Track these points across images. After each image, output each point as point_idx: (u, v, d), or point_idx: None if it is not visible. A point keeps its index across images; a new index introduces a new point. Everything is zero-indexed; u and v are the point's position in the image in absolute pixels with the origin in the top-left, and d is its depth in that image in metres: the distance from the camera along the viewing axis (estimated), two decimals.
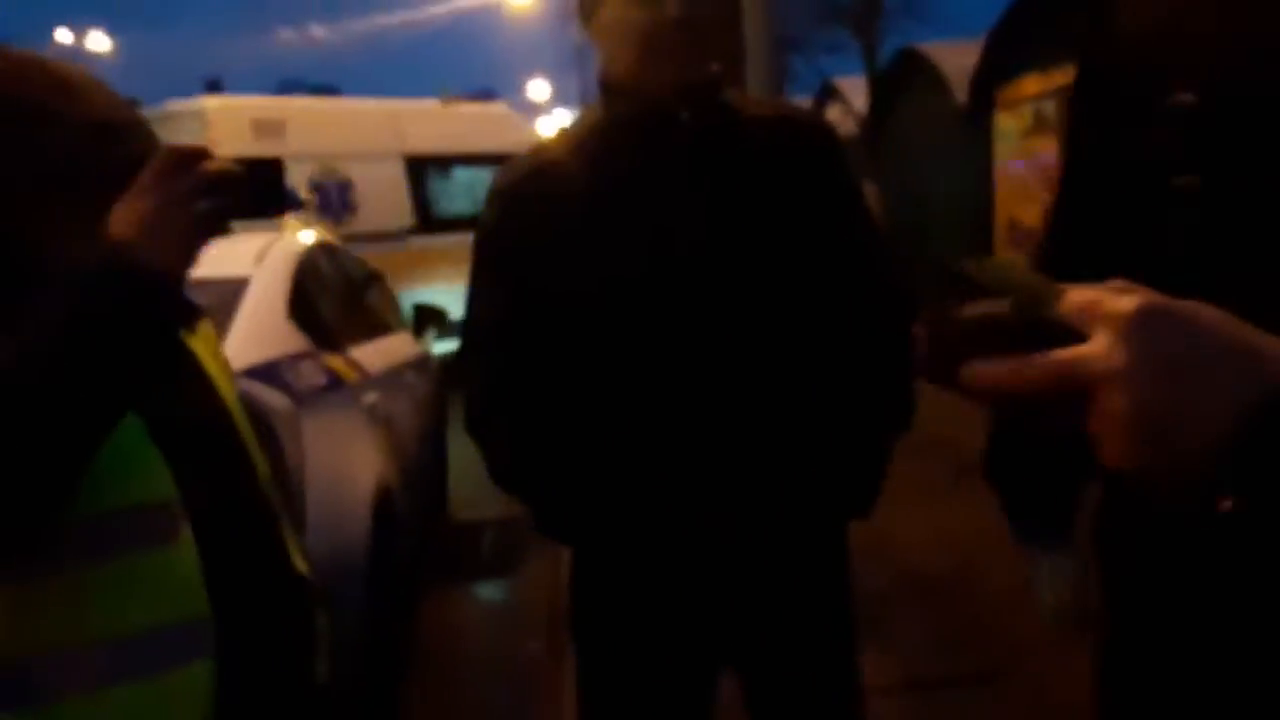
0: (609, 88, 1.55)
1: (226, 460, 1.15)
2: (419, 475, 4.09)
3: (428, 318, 5.07)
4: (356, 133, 9.07)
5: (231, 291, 3.00)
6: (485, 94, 11.20)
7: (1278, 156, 0.99)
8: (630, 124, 1.51)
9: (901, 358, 1.54)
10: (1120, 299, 0.56)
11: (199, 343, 1.20)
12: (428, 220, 9.22)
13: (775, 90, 6.92)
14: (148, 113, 7.34)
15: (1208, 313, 0.55)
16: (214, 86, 12.54)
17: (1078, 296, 0.57)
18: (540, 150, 1.58)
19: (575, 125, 1.60)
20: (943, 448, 4.07)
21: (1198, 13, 1.07)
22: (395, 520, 3.36)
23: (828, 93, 15.40)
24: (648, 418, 1.50)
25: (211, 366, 1.20)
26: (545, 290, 1.50)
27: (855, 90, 14.70)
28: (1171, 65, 1.05)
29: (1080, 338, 0.56)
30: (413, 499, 3.84)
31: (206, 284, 1.85)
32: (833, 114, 14.48)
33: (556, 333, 1.51)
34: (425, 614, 4.02)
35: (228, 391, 1.21)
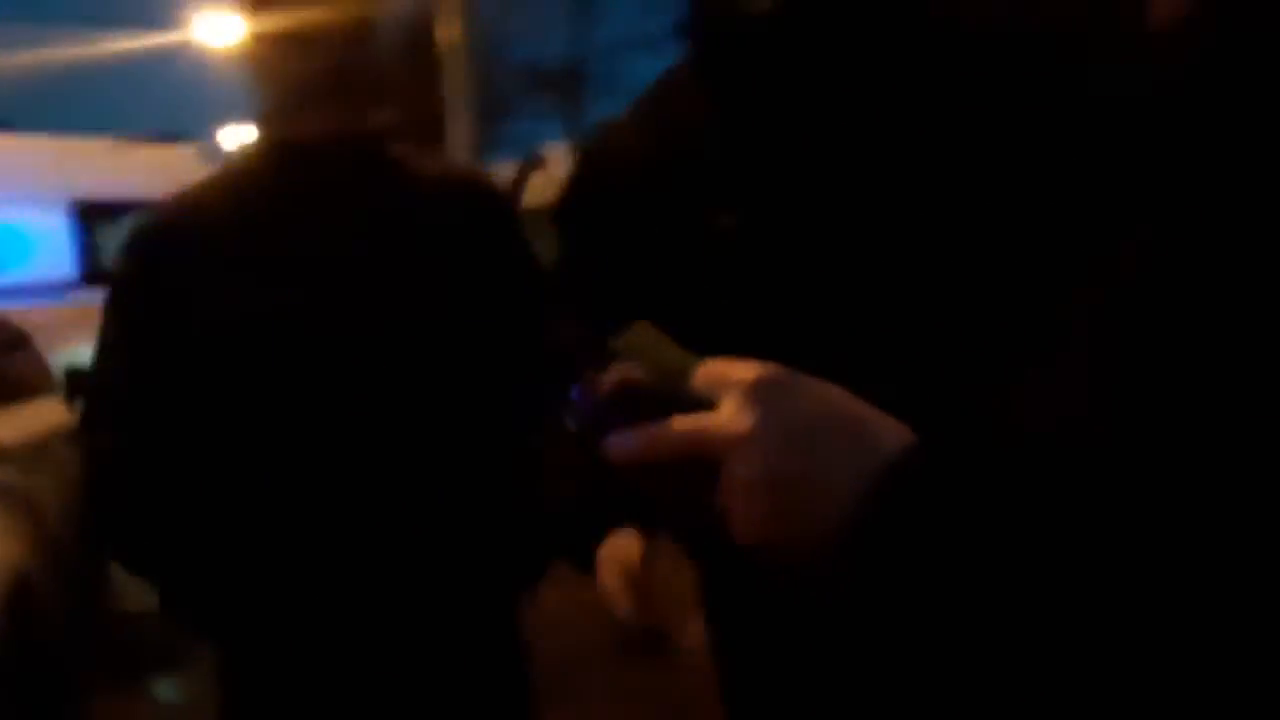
0: (265, 134, 1.48)
1: None
2: (69, 561, 3.66)
3: (80, 382, 4.57)
4: (13, 173, 8.26)
5: None
6: (170, 136, 10.55)
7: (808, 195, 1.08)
8: (284, 172, 1.44)
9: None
10: (745, 369, 0.58)
11: None
12: (95, 272, 8.46)
13: (477, 153, 6.89)
14: None
15: (827, 386, 0.58)
16: None
17: (709, 368, 0.59)
18: (185, 195, 1.48)
19: (225, 171, 1.52)
20: None
21: (695, 145, 1.18)
22: (36, 615, 2.98)
23: (532, 159, 15.65)
24: (291, 494, 1.39)
25: None
26: (184, 344, 1.39)
27: (560, 158, 15.00)
28: (688, 196, 1.16)
29: (709, 403, 0.58)
30: (61, 589, 3.43)
31: None
32: (537, 180, 14.70)
33: (195, 394, 1.40)
34: (94, 716, 3.66)
35: None
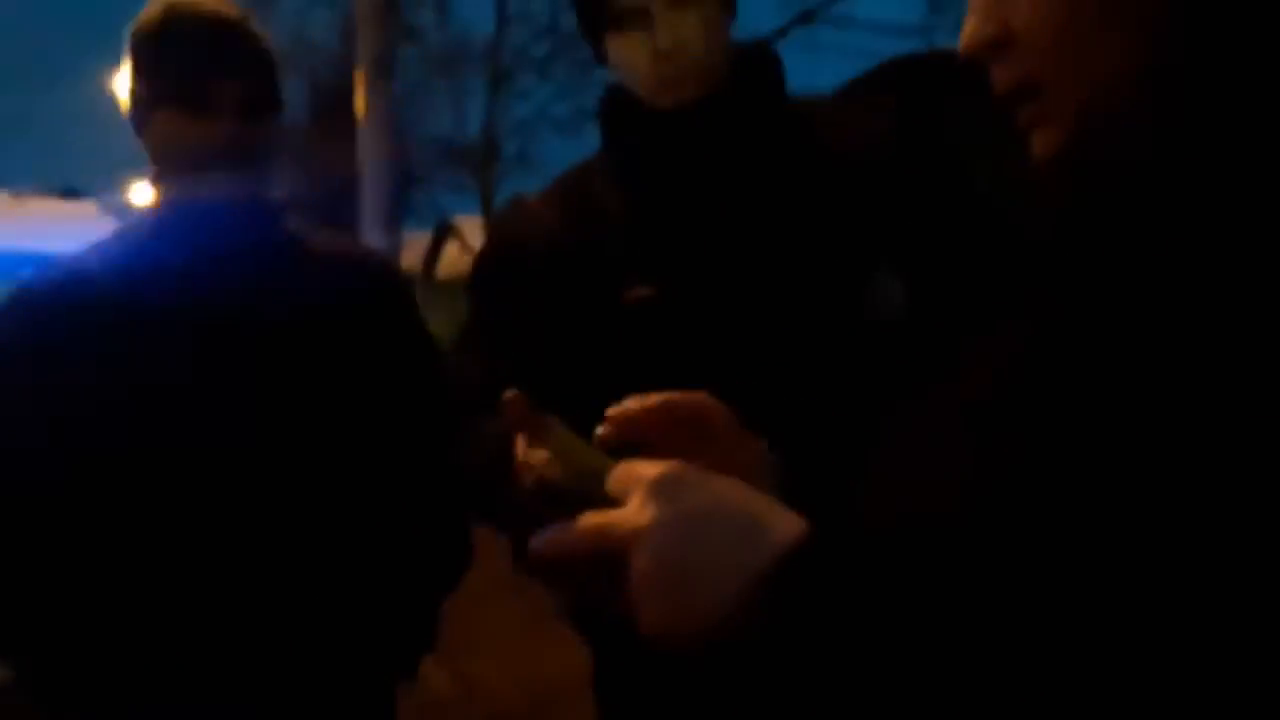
0: (158, 198, 1.44)
1: None
2: None
3: None
4: None
5: None
6: (70, 192, 10.29)
7: (713, 271, 1.23)
8: (176, 237, 1.41)
9: (449, 508, 1.48)
10: (649, 467, 0.60)
11: None
12: None
13: (391, 222, 6.86)
14: None
15: (726, 480, 0.61)
16: None
17: (621, 469, 0.62)
18: (71, 262, 1.44)
19: (114, 237, 1.48)
20: (524, 590, 4.07)
21: (617, 228, 1.32)
22: None
23: (446, 230, 15.64)
24: (165, 555, 1.35)
25: None
26: (58, 408, 1.35)
27: (474, 230, 15.03)
28: (593, 272, 1.30)
29: (619, 503, 0.60)
30: None
31: None
32: (451, 252, 14.67)
33: (66, 459, 1.35)
34: None
35: None
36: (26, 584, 1.38)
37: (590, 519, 0.60)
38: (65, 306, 1.40)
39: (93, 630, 1.37)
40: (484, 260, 1.49)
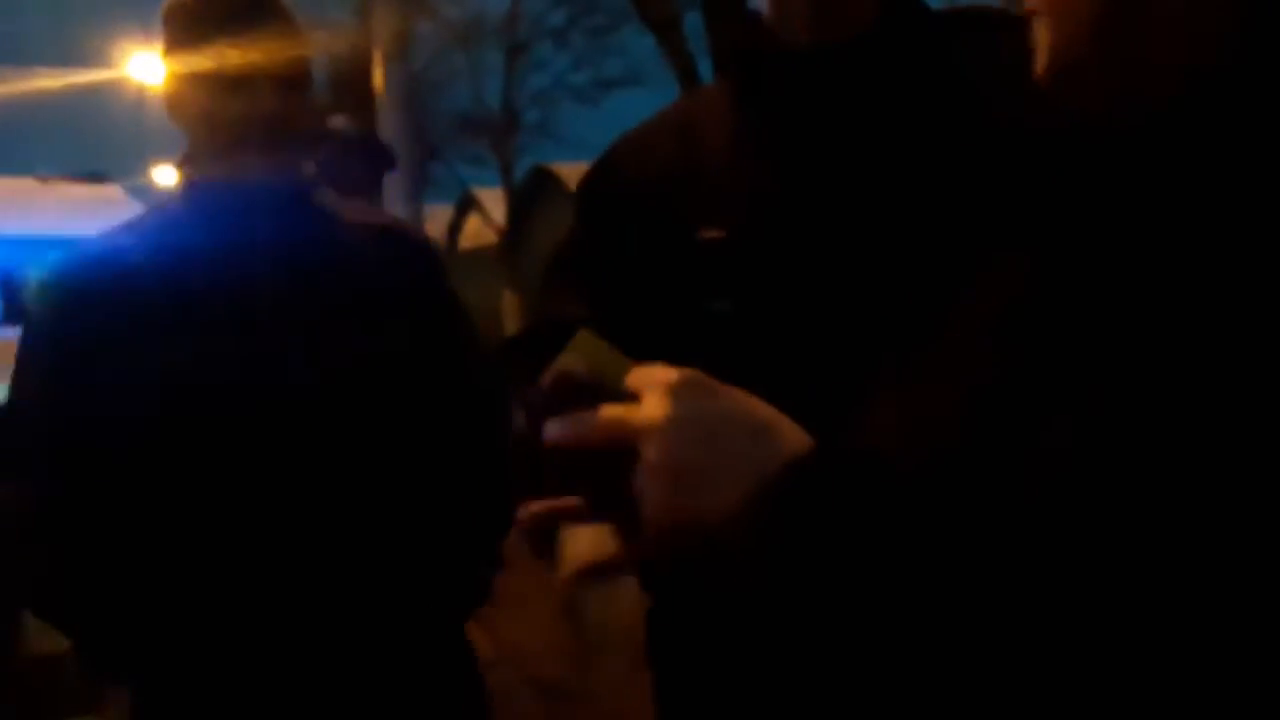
0: (190, 178, 1.45)
1: None
2: None
3: None
4: None
5: None
6: (95, 176, 10.37)
7: (800, 283, 1.15)
8: (211, 216, 1.41)
9: (494, 463, 1.48)
10: (670, 371, 0.63)
11: None
12: (15, 310, 8.27)
13: (412, 196, 6.89)
14: None
15: (743, 393, 0.63)
16: None
17: (641, 370, 0.64)
18: (105, 238, 1.45)
19: (148, 214, 1.50)
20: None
21: (709, 161, 1.24)
22: None
23: (468, 202, 15.64)
24: (216, 536, 1.36)
25: None
26: (101, 391, 1.36)
27: (494, 201, 15.02)
28: (691, 207, 1.21)
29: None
30: None
31: None
32: (472, 223, 14.69)
33: (111, 440, 1.36)
34: None
35: None
36: (84, 558, 1.40)
37: (607, 410, 0.62)
38: (102, 287, 1.40)
39: (147, 602, 1.39)
40: (582, 191, 1.43)
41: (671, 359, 0.66)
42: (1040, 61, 0.64)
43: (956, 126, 1.16)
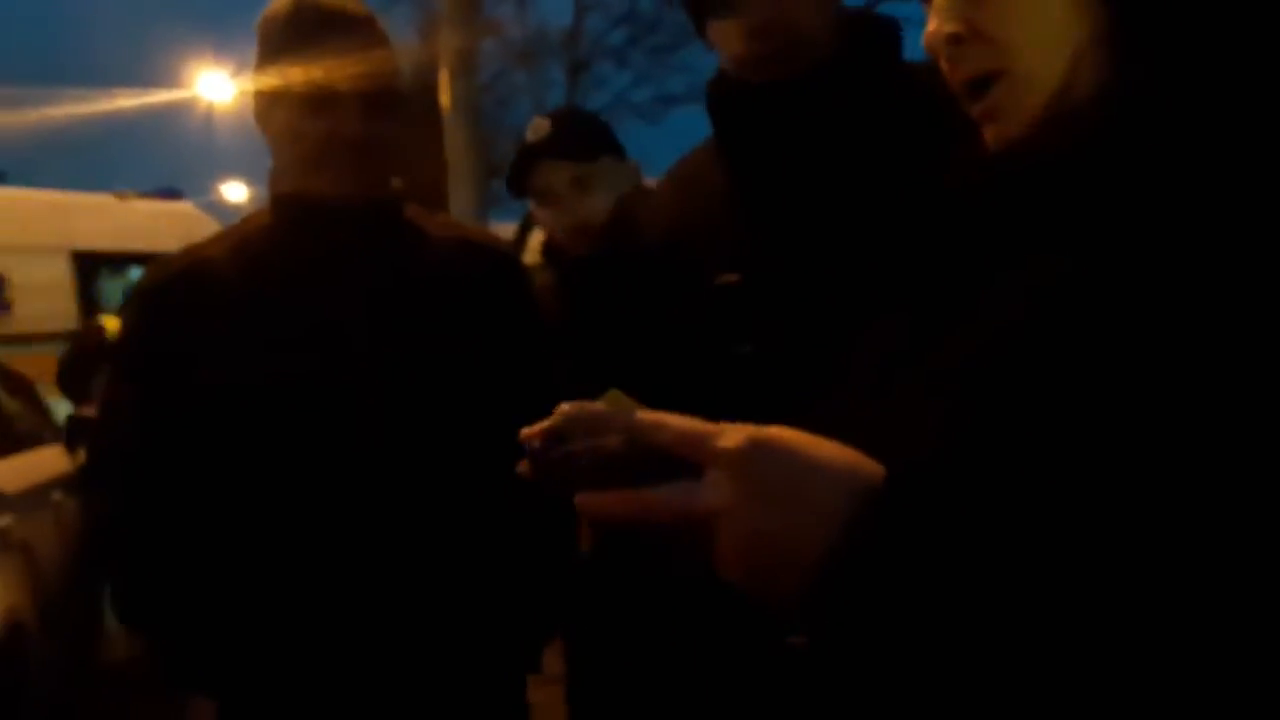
0: (280, 194, 1.46)
1: None
2: (64, 609, 3.64)
3: (83, 429, 4.60)
4: (13, 225, 8.29)
5: None
6: (169, 193, 10.60)
7: (815, 324, 1.16)
8: (300, 233, 1.42)
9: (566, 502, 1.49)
10: (725, 436, 0.60)
11: None
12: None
13: (479, 213, 6.97)
14: None
15: (806, 440, 0.61)
16: None
17: (681, 429, 0.62)
18: (195, 250, 1.46)
19: (238, 228, 1.50)
20: None
21: (723, 211, 1.28)
22: (28, 664, 2.96)
23: (531, 219, 15.72)
24: (300, 549, 1.37)
25: None
26: (192, 403, 1.37)
27: None
28: (708, 255, 1.25)
29: (687, 467, 0.61)
30: (55, 638, 3.40)
31: None
32: (536, 238, 14.74)
33: (201, 452, 1.38)
34: None
35: None
36: (169, 566, 1.40)
37: (676, 493, 0.61)
38: (190, 300, 1.40)
39: (229, 612, 1.40)
40: (600, 246, 1.45)
41: (699, 405, 0.65)
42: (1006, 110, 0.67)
43: (926, 146, 1.11)
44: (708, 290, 1.23)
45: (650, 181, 1.81)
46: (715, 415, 1.10)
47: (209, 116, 15.65)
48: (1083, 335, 0.58)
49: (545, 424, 0.65)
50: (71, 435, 4.56)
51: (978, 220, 0.72)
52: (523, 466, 0.66)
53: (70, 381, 4.21)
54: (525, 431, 0.66)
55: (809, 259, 1.21)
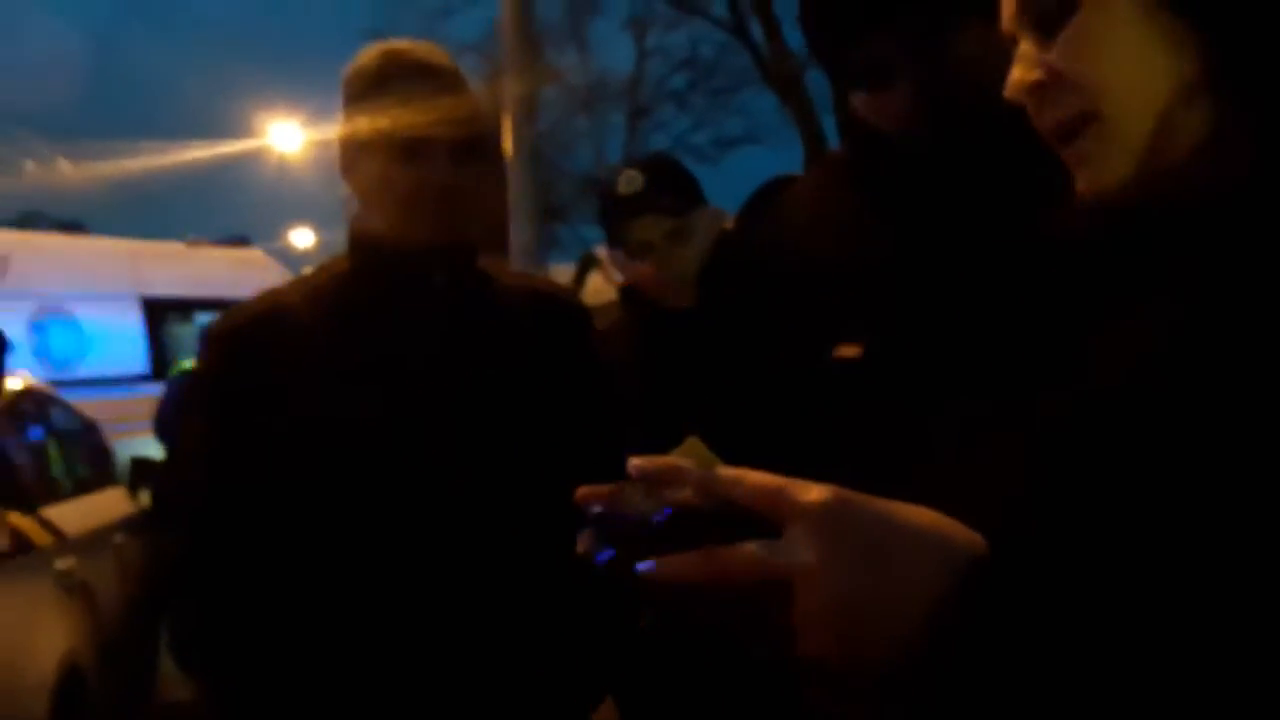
0: (361, 241, 1.45)
1: None
2: (121, 651, 3.67)
3: (147, 472, 4.65)
4: (88, 271, 8.53)
5: None
6: (238, 240, 10.86)
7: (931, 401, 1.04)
8: (380, 279, 1.42)
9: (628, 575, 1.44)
10: (808, 491, 0.56)
11: None
12: (165, 367, 8.68)
13: (538, 256, 7.02)
14: None
15: (893, 504, 0.57)
16: None
17: (760, 483, 0.57)
18: (272, 295, 1.46)
19: (315, 274, 1.50)
20: None
21: (842, 258, 1.19)
22: (86, 704, 2.97)
23: (589, 261, 15.87)
24: (362, 603, 1.35)
25: None
26: (263, 447, 1.36)
27: (613, 260, 15.17)
28: (824, 310, 1.18)
29: (766, 525, 0.56)
30: (113, 678, 3.43)
31: None
32: (594, 281, 14.86)
33: (270, 498, 1.36)
34: None
35: None
36: (232, 612, 1.39)
37: (755, 551, 0.56)
38: (265, 343, 1.40)
39: (287, 662, 1.38)
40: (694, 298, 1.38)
41: (793, 467, 0.60)
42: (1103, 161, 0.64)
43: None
44: (826, 362, 1.17)
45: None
46: (810, 426, 1.01)
47: (279, 165, 16.05)
48: (1204, 403, 0.53)
49: (608, 486, 0.59)
50: (135, 478, 4.63)
51: (1079, 274, 0.68)
52: (582, 543, 0.59)
53: (165, 427, 4.26)
54: (583, 491, 0.60)
55: (941, 334, 1.14)
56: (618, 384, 1.59)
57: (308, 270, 1.65)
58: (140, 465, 4.67)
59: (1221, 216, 0.59)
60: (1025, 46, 0.68)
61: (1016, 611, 0.52)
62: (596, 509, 0.59)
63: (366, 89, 1.41)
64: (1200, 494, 0.52)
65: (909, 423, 1.07)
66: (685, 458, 0.61)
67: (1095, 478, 0.56)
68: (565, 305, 1.56)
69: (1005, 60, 1.18)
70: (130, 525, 4.11)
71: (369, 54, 1.43)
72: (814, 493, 0.56)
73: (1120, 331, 0.61)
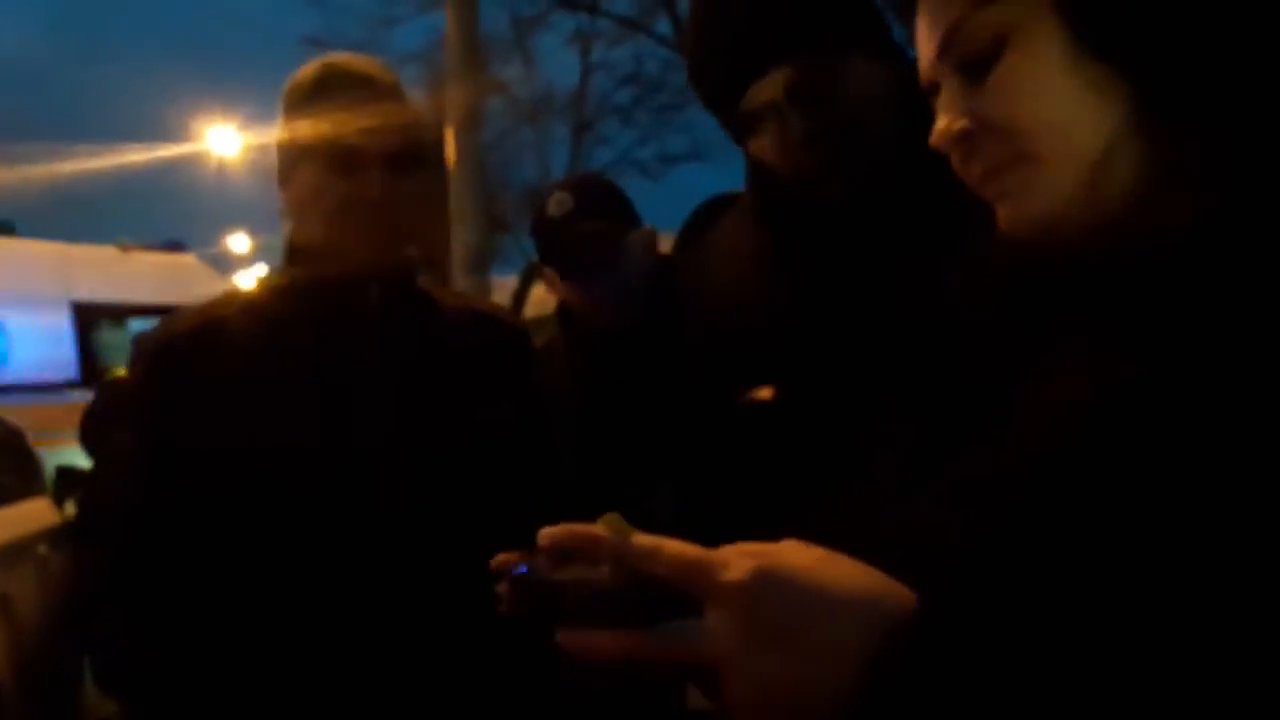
0: (296, 253, 1.44)
1: None
2: (43, 668, 3.55)
3: (73, 482, 4.53)
4: (16, 274, 8.31)
5: None
6: (173, 245, 10.65)
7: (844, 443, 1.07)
8: (315, 293, 1.40)
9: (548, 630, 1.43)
10: (726, 569, 0.55)
11: None
12: (95, 373, 8.47)
13: (480, 266, 6.98)
14: None
15: (819, 566, 0.55)
16: None
17: (678, 556, 0.56)
18: (207, 309, 1.44)
19: (252, 289, 1.49)
20: None
21: (762, 314, 1.20)
22: None
23: (532, 272, 15.83)
24: (293, 621, 1.33)
25: None
26: (193, 464, 1.34)
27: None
28: (744, 359, 1.18)
29: (685, 601, 0.55)
30: (33, 697, 3.31)
31: None
32: (537, 292, 14.81)
33: (199, 515, 1.34)
34: None
35: None
36: (154, 630, 1.37)
37: (675, 638, 0.55)
38: (196, 358, 1.38)
39: (210, 681, 1.35)
40: (626, 319, 1.39)
41: (726, 529, 0.59)
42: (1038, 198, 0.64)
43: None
44: (740, 405, 1.18)
45: (664, 237, 1.76)
46: (730, 501, 1.02)
47: (217, 170, 15.79)
48: (1137, 456, 0.53)
49: (522, 552, 0.59)
50: (61, 488, 4.50)
51: (1006, 317, 0.68)
52: (501, 596, 0.59)
53: (91, 436, 4.16)
54: (500, 558, 0.59)
55: (851, 378, 1.14)
56: (557, 399, 1.58)
57: (242, 274, 1.63)
58: (66, 475, 4.55)
59: (1159, 269, 0.58)
60: (947, 95, 0.66)
61: (946, 666, 0.51)
62: (515, 571, 0.58)
63: (304, 99, 1.41)
64: (1127, 547, 0.51)
65: (826, 465, 1.08)
66: (604, 528, 0.59)
67: (1022, 533, 0.56)
68: (505, 329, 1.56)
69: (890, 95, 1.20)
70: (55, 537, 3.99)
71: (310, 66, 1.43)
72: (732, 570, 0.55)
73: (1048, 383, 0.61)
